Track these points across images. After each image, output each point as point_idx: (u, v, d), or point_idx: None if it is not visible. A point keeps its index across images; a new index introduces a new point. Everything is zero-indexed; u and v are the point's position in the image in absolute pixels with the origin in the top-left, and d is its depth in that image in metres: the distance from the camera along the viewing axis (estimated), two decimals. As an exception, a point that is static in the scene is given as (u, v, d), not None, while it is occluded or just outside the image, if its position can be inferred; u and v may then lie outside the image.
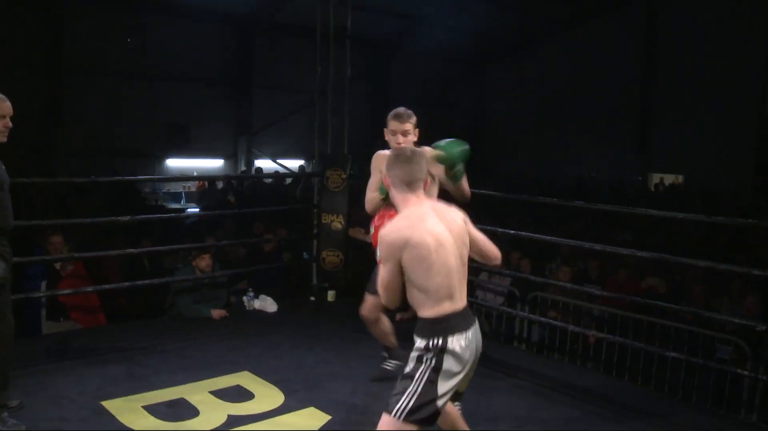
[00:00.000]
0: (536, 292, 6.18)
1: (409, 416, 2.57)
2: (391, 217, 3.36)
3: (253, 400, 4.00)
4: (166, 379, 4.27)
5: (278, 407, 3.91)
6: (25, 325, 5.30)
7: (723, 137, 15.51)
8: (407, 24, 16.56)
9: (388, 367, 4.37)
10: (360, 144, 16.14)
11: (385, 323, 4.30)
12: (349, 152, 6.65)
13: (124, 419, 3.69)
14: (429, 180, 2.96)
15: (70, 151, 12.91)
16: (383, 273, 2.66)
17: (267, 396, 4.06)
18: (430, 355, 2.59)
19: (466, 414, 3.80)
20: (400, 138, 3.79)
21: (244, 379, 4.32)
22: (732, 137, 15.35)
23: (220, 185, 13.09)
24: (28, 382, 4.09)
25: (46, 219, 5.70)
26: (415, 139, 3.85)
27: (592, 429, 3.88)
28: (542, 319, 5.64)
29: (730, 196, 14.16)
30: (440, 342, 2.59)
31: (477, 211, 9.88)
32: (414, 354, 2.64)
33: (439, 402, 2.60)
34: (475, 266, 6.29)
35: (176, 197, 14.06)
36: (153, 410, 3.82)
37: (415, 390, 2.58)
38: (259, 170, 14.91)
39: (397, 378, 2.71)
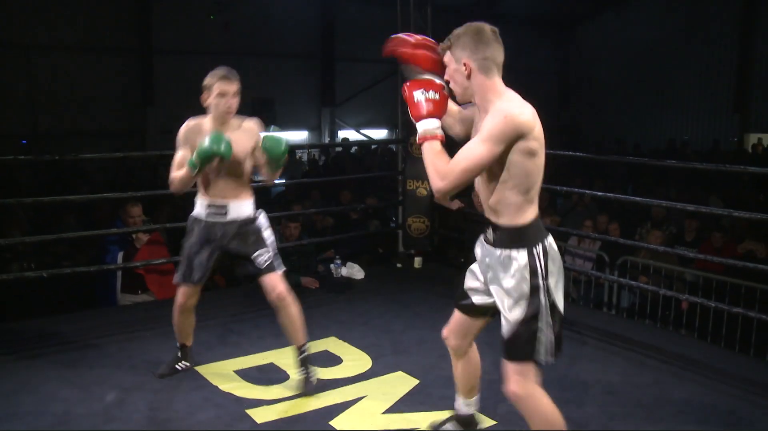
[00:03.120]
0: (626, 256, 6.02)
1: (555, 352, 2.46)
2: None
3: (342, 365, 4.07)
4: (257, 345, 4.39)
5: (366, 371, 3.97)
6: (103, 296, 5.51)
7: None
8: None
9: (179, 368, 3.93)
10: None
11: (193, 319, 3.84)
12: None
13: (217, 382, 3.82)
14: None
15: (162, 128, 13.34)
16: (481, 151, 2.29)
17: (355, 360, 4.13)
18: (539, 266, 2.40)
19: (556, 380, 3.78)
20: (232, 100, 3.45)
21: (332, 344, 4.40)
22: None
23: (304, 157, 13.27)
24: (129, 345, 4.30)
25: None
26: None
27: (689, 396, 3.77)
28: (633, 283, 5.50)
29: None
30: (541, 247, 2.41)
31: (566, 173, 9.72)
32: (517, 279, 2.41)
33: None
34: (563, 232, 6.21)
35: (263, 168, 14.31)
36: (244, 374, 3.94)
37: (547, 322, 2.40)
38: (345, 140, 15.05)
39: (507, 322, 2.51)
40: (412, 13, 6.58)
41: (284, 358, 4.14)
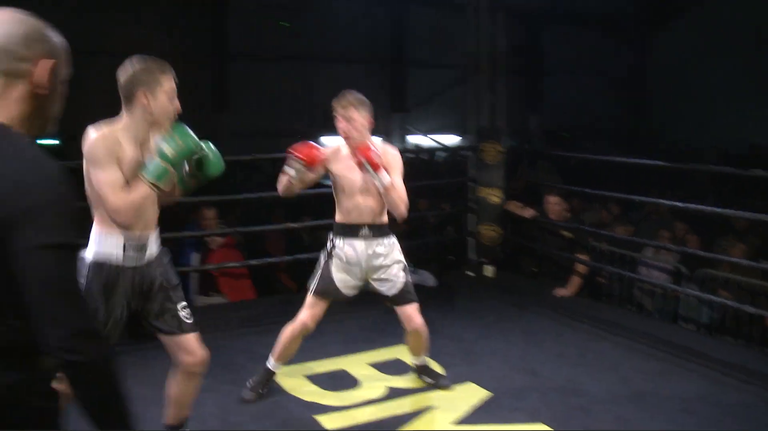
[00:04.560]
0: (705, 269, 5.80)
1: None
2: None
3: (413, 374, 4.04)
4: (326, 350, 4.40)
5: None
6: None
7: None
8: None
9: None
10: (514, 118, 15.84)
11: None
12: (505, 125, 6.54)
13: (288, 386, 3.86)
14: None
15: (236, 133, 13.59)
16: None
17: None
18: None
19: (632, 395, 3.68)
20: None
21: (402, 352, 4.37)
22: None
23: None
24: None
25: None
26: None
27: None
28: (713, 298, 5.29)
29: None
30: None
31: (642, 181, 9.44)
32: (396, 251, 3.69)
33: None
34: (639, 242, 6.04)
35: (332, 174, 14.45)
36: (315, 379, 3.97)
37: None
38: (417, 146, 15.05)
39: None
40: (485, 18, 6.52)
41: (355, 365, 4.16)
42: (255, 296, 5.76)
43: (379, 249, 3.58)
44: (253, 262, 5.61)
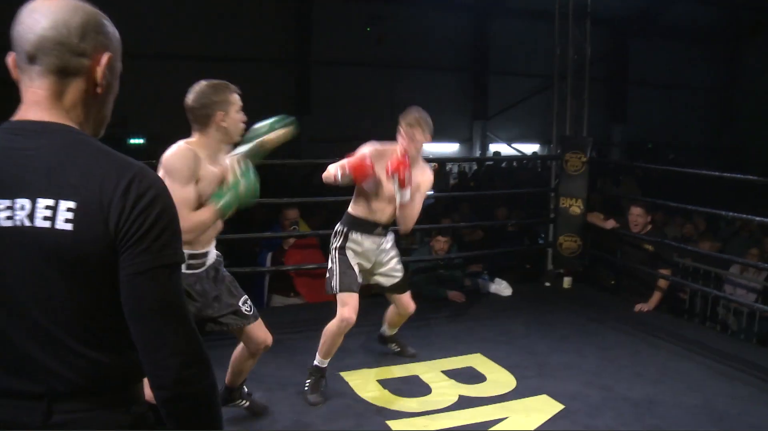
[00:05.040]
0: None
1: None
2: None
3: (485, 383, 4.01)
4: (401, 355, 4.42)
5: (510, 392, 3.88)
6: (257, 296, 5.58)
7: None
8: (651, 0, 15.58)
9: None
10: (596, 128, 15.53)
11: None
12: (588, 135, 6.42)
13: (360, 389, 3.88)
14: None
15: (316, 136, 13.78)
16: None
17: (499, 380, 4.05)
18: None
19: (716, 419, 3.55)
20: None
21: (477, 361, 4.35)
22: None
23: (454, 169, 13.29)
24: (276, 348, 4.45)
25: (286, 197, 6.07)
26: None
27: None
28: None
29: None
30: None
31: (729, 197, 9.06)
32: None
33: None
34: (726, 258, 5.81)
35: (413, 180, 14.49)
36: (387, 384, 3.98)
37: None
38: (497, 153, 14.91)
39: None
40: (570, 27, 6.43)
41: (429, 372, 4.15)
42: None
43: (386, 245, 3.91)
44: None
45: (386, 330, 4.38)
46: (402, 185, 3.53)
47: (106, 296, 1.20)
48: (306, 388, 3.78)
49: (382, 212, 3.77)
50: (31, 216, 1.16)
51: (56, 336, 1.19)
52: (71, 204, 1.15)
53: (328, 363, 3.83)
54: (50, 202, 1.16)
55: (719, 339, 5.08)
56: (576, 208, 5.86)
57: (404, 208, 3.65)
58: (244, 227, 7.29)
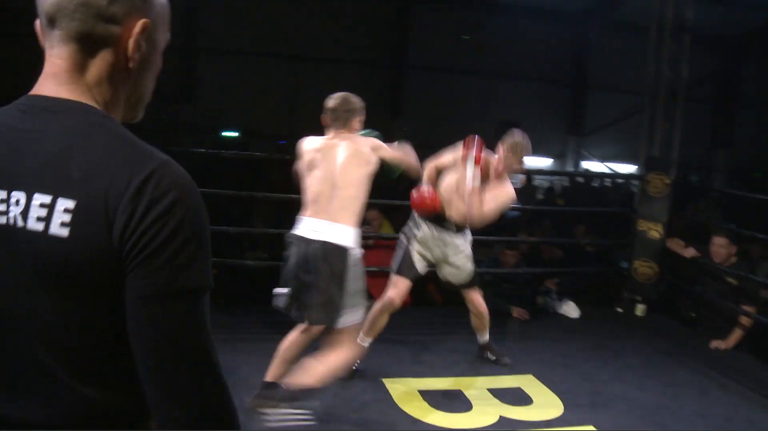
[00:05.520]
0: None
1: None
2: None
3: (530, 406, 3.79)
4: (448, 368, 4.26)
5: (555, 419, 3.65)
6: None
7: None
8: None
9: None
10: (698, 151, 14.79)
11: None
12: (680, 157, 6.06)
13: (398, 398, 3.75)
14: None
15: (407, 139, 13.73)
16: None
17: (546, 405, 3.82)
18: None
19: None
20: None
21: (527, 382, 4.13)
22: None
23: (545, 184, 12.94)
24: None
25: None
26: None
27: None
28: None
29: None
30: None
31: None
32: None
33: None
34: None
35: (501, 191, 14.21)
36: (428, 396, 3.82)
37: None
38: (586, 170, 14.42)
39: None
40: (667, 42, 6.08)
41: (474, 388, 3.98)
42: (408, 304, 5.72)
43: (456, 241, 4.04)
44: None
45: (478, 338, 4.43)
46: (477, 161, 3.77)
47: (107, 322, 0.96)
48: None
49: (456, 207, 3.92)
50: (24, 214, 0.94)
51: (45, 362, 0.96)
52: (70, 204, 0.92)
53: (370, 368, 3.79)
54: (46, 199, 0.93)
55: None
56: (655, 232, 5.52)
57: (472, 196, 3.76)
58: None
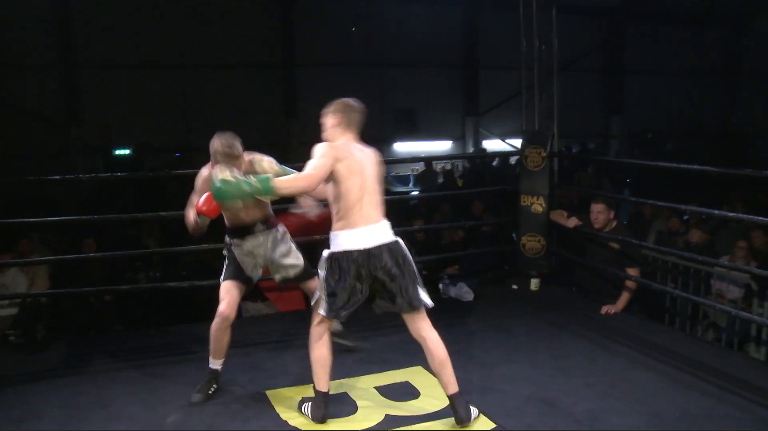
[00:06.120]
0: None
1: None
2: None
3: (417, 400, 3.70)
4: (337, 370, 4.09)
5: (442, 410, 3.54)
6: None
7: None
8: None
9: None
10: (585, 122, 15.14)
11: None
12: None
13: (281, 409, 3.62)
14: None
15: (306, 140, 13.51)
16: None
17: (433, 396, 3.72)
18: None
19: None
20: None
21: (415, 375, 4.02)
22: None
23: (447, 167, 12.99)
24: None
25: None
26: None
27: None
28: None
29: None
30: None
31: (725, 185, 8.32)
32: None
33: None
34: (707, 261, 5.42)
35: (404, 179, 14.19)
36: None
37: None
38: (482, 150, 14.54)
39: None
40: (536, 17, 6.10)
41: (360, 388, 3.86)
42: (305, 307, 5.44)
43: (273, 242, 3.87)
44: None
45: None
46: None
47: None
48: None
49: (246, 214, 3.76)
50: None
51: None
52: None
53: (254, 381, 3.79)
54: None
55: (688, 342, 4.69)
56: (538, 206, 5.52)
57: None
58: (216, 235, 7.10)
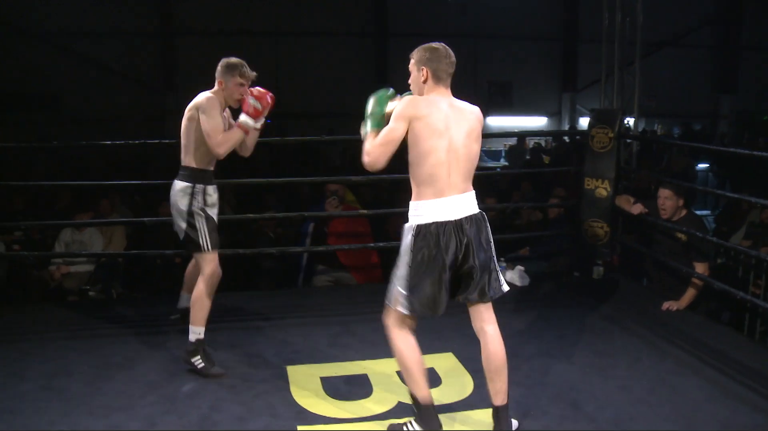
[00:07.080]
0: None
1: None
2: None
3: (436, 388, 3.50)
4: (367, 351, 3.99)
5: (458, 402, 3.38)
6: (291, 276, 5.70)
7: None
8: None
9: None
10: (691, 101, 14.18)
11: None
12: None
13: (296, 387, 3.54)
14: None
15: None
16: None
17: (455, 385, 3.55)
18: None
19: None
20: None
21: (443, 362, 3.85)
22: None
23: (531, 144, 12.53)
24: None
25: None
26: None
27: None
28: None
29: None
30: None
31: None
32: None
33: None
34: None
35: (496, 155, 13.82)
36: (328, 383, 3.61)
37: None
38: (572, 128, 13.93)
39: None
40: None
41: (381, 371, 3.73)
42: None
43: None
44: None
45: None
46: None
47: None
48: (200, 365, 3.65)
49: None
50: None
51: None
52: None
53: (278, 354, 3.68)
54: None
55: (752, 349, 4.20)
56: (602, 190, 5.16)
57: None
58: (295, 205, 7.12)
